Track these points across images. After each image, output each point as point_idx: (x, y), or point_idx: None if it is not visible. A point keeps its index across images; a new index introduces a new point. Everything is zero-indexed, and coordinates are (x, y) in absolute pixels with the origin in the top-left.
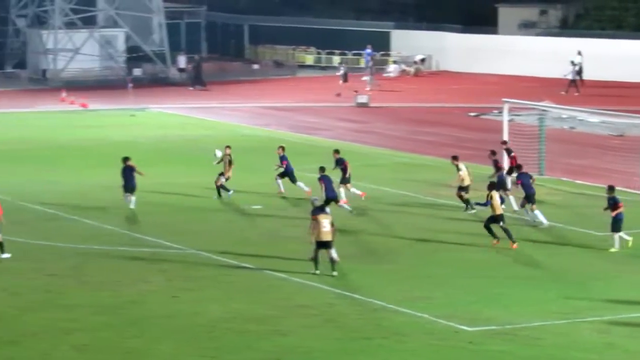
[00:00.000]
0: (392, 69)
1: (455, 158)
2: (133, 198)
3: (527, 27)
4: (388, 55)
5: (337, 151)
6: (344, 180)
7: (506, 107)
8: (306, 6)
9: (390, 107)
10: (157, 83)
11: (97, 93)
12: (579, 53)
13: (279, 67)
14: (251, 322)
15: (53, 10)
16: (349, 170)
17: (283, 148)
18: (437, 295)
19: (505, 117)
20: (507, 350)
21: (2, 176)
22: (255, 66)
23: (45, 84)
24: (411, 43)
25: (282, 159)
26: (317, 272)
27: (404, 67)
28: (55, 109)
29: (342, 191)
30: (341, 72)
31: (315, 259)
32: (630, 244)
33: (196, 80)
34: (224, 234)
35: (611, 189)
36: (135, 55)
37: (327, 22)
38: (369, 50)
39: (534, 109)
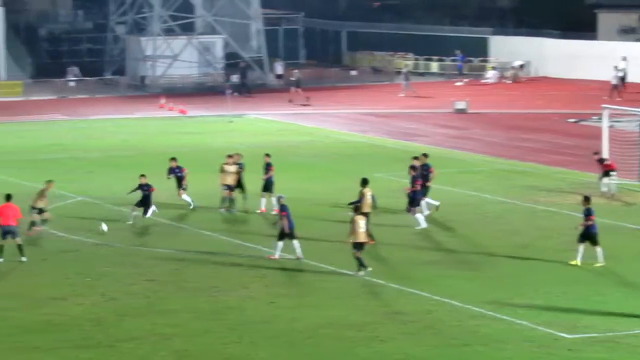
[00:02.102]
0: (490, 75)
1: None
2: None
3: (627, 33)
4: (486, 61)
5: (425, 155)
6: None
7: (606, 113)
8: (404, 13)
9: (488, 113)
10: (255, 89)
11: (196, 99)
12: (624, 59)
13: (377, 74)
14: (349, 328)
15: (152, 17)
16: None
17: (268, 155)
18: (536, 303)
19: (605, 124)
20: (608, 358)
21: (102, 182)
22: (353, 72)
23: (144, 90)
24: (509, 49)
25: (269, 166)
26: (368, 269)
27: (504, 73)
28: (154, 116)
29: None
30: (403, 79)
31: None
32: None
33: (242, 86)
34: (321, 241)
35: (586, 199)
36: (233, 62)
37: (425, 29)
38: (459, 56)
39: (634, 115)
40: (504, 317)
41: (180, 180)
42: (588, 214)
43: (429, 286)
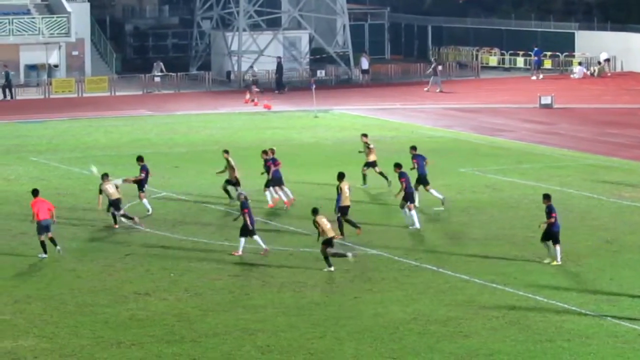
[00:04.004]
0: (577, 70)
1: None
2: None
3: None
4: (572, 56)
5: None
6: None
7: None
8: (490, 7)
9: (574, 108)
10: (341, 84)
11: (281, 94)
12: None
13: (463, 69)
14: (433, 323)
15: (237, 12)
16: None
17: (272, 151)
18: (621, 298)
19: None
20: None
21: (187, 177)
22: (439, 67)
23: (230, 85)
24: (595, 44)
25: (269, 161)
26: (332, 268)
27: (590, 68)
28: (239, 111)
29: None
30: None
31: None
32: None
33: (278, 82)
34: (405, 235)
35: (547, 197)
36: (319, 57)
37: (511, 23)
38: (536, 50)
39: None
40: (588, 312)
41: (141, 183)
42: (550, 211)
43: (513, 281)
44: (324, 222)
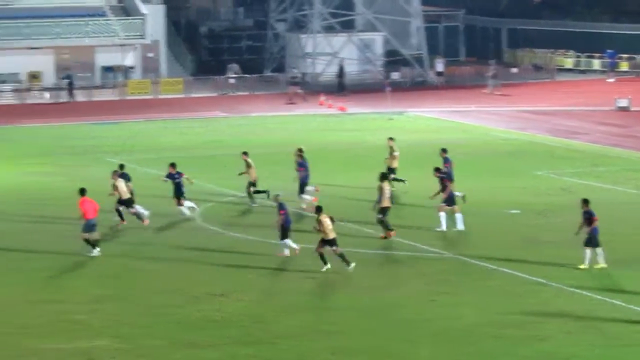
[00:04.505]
0: None
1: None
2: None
3: None
4: None
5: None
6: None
7: None
8: (565, 9)
9: None
10: (415, 87)
11: (355, 97)
12: None
13: (538, 71)
14: (509, 327)
15: (312, 14)
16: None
17: (301, 150)
18: None
19: None
20: None
21: (261, 179)
22: (514, 70)
23: (304, 87)
24: None
25: (300, 165)
26: (327, 266)
27: None
28: (314, 112)
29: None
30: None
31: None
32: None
33: (340, 84)
34: (481, 238)
35: (585, 202)
36: (393, 59)
37: (586, 25)
38: (609, 52)
39: None
40: None
41: (178, 187)
42: (590, 215)
43: (590, 285)
44: (327, 223)
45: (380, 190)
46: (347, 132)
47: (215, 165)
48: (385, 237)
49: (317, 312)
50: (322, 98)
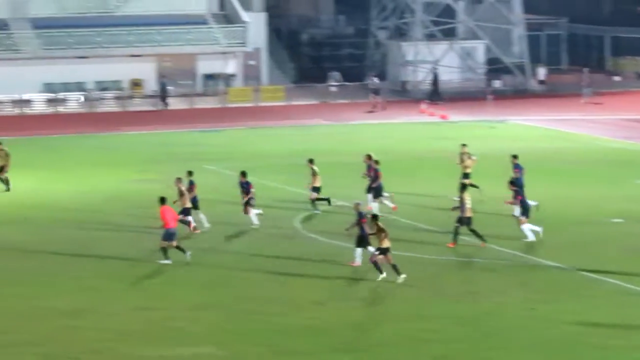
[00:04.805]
0: None
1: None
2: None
3: None
4: None
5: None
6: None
7: None
8: None
9: None
10: (517, 95)
11: (457, 105)
12: None
13: None
14: (612, 337)
15: (413, 22)
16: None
17: (370, 157)
18: None
19: None
20: None
21: (362, 187)
22: (617, 78)
23: (405, 95)
24: None
25: (370, 168)
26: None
27: None
28: (415, 120)
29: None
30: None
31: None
32: None
33: (434, 93)
34: (583, 247)
35: None
36: (495, 67)
37: None
38: None
39: None
40: None
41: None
42: None
43: None
44: (386, 230)
45: (461, 201)
46: (448, 140)
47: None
48: (454, 245)
49: (415, 320)
50: (423, 106)
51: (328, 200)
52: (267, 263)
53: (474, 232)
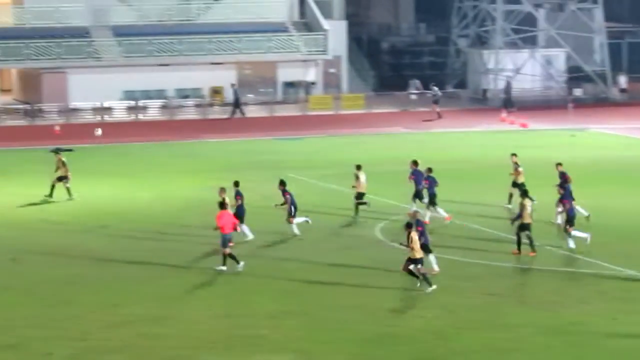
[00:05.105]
0: None
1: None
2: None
3: None
4: None
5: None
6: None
7: None
8: None
9: None
10: (598, 103)
11: (538, 113)
12: None
13: None
14: None
15: (494, 30)
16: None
17: (415, 163)
18: None
19: None
20: None
21: (442, 195)
22: None
23: (486, 103)
24: None
25: (414, 173)
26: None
27: None
28: (495, 129)
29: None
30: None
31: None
32: None
33: (506, 101)
34: None
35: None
36: (575, 75)
37: None
38: None
39: None
40: None
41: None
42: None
43: None
44: (417, 240)
45: (522, 206)
46: (528, 148)
47: (393, 181)
48: (518, 253)
49: (496, 329)
50: (504, 114)
51: (366, 203)
52: (345, 271)
53: (529, 239)
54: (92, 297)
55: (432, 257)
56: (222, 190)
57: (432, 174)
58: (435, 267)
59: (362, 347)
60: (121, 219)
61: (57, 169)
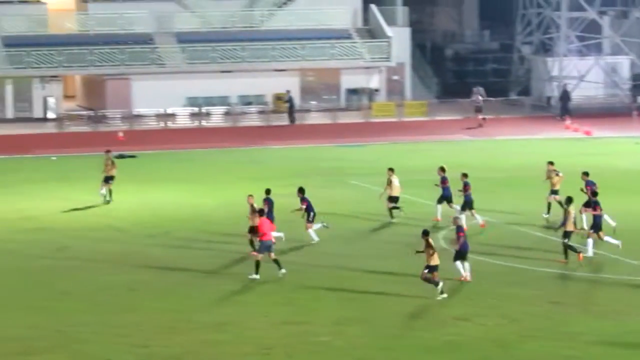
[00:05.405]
0: None
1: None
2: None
3: None
4: None
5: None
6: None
7: None
8: None
9: None
10: None
11: (601, 121)
12: None
13: None
14: None
15: (558, 37)
16: None
17: (443, 169)
18: None
19: None
20: None
21: (504, 203)
22: None
23: (549, 111)
24: None
25: (444, 180)
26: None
27: None
28: (559, 137)
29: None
30: None
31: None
32: None
33: (563, 109)
34: None
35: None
36: None
37: None
38: None
39: None
40: None
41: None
42: None
43: None
44: (433, 247)
45: (567, 213)
46: (592, 156)
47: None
48: (565, 262)
49: (559, 338)
50: (568, 122)
51: (399, 208)
52: (405, 279)
53: (569, 247)
54: (154, 303)
55: (466, 265)
56: (251, 197)
57: (467, 179)
58: (466, 274)
59: (426, 355)
60: (184, 226)
61: (107, 168)
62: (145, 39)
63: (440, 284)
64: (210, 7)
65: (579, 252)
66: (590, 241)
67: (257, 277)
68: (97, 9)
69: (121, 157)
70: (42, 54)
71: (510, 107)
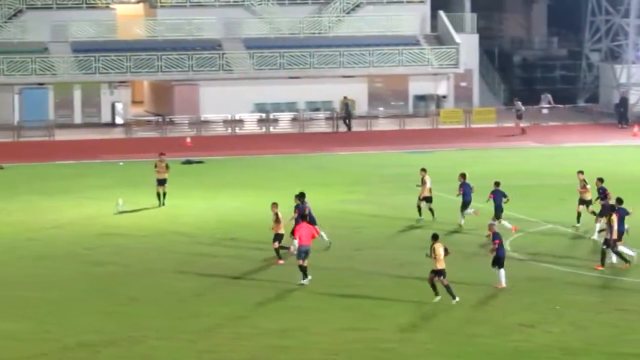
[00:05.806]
0: None
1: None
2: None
3: None
4: None
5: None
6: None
7: None
8: None
9: None
10: None
11: (623, 128)
12: None
13: None
14: None
15: (627, 44)
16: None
17: (464, 175)
18: None
19: None
20: None
21: (573, 210)
22: None
23: (616, 118)
24: None
25: (462, 186)
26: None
27: None
28: (627, 144)
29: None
30: None
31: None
32: None
33: (622, 116)
34: None
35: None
36: None
37: None
38: None
39: None
40: None
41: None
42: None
43: None
44: (439, 252)
45: (611, 222)
46: None
47: (527, 195)
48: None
49: (625, 346)
50: (636, 129)
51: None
52: (470, 287)
53: (618, 254)
54: (220, 309)
55: (502, 272)
56: (275, 205)
57: (499, 188)
58: (503, 283)
59: None
60: (250, 231)
61: (160, 170)
62: (213, 45)
63: (446, 289)
64: (278, 13)
65: (628, 261)
66: (622, 248)
67: (305, 282)
68: (165, 14)
69: (189, 162)
70: (111, 60)
71: (578, 114)
